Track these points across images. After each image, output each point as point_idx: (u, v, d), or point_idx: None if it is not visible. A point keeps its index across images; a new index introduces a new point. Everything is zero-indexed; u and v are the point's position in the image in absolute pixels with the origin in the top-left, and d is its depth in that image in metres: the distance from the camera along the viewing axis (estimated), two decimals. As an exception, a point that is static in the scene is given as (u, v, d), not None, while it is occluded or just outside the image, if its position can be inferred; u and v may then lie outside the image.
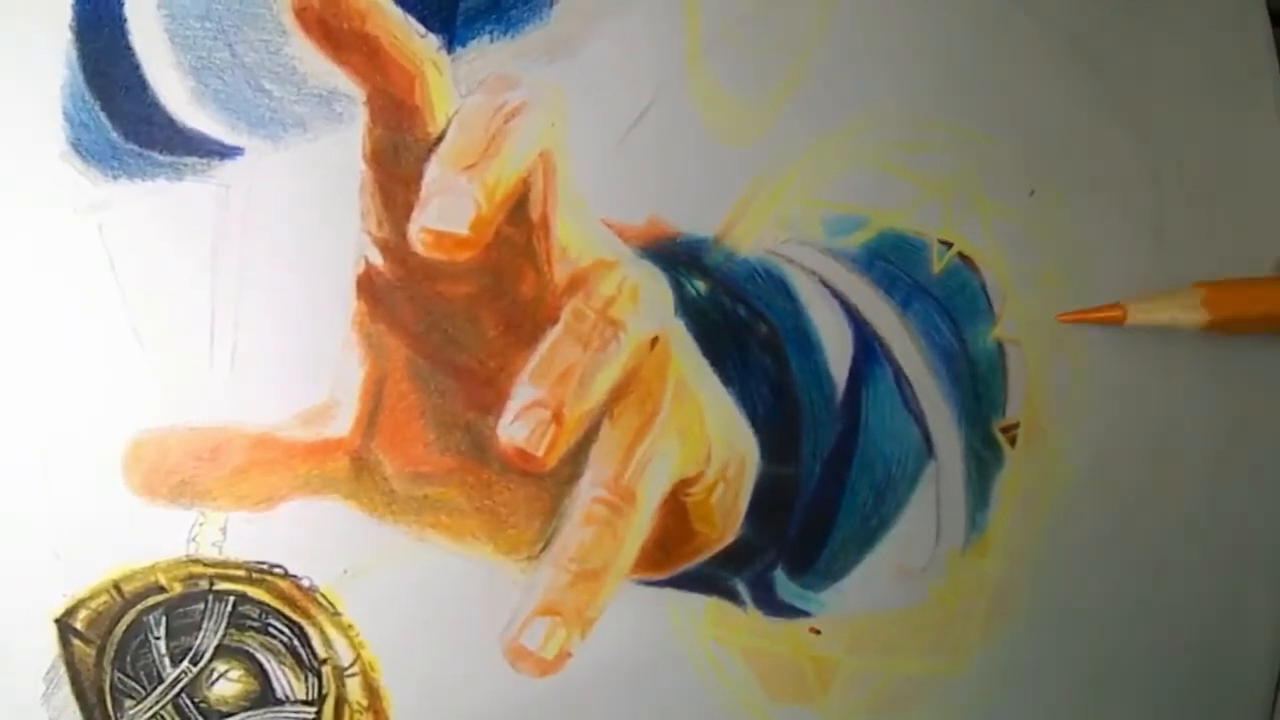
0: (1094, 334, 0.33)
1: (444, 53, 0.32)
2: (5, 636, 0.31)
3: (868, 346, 0.33)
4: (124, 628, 0.30)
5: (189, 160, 0.31)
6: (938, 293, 0.33)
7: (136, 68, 0.31)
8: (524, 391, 0.31)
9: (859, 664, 0.33)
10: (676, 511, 0.32)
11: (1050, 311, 0.33)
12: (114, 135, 0.31)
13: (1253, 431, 0.33)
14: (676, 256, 0.32)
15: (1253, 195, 0.33)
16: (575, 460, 0.31)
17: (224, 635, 0.30)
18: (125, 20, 0.31)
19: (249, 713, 0.30)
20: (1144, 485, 0.33)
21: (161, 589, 0.30)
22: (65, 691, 0.30)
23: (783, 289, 0.32)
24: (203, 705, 0.30)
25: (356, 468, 0.31)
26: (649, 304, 0.32)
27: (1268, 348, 0.33)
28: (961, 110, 0.33)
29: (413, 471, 0.31)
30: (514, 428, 0.31)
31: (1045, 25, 0.33)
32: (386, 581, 0.31)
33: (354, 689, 0.31)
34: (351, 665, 0.30)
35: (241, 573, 0.30)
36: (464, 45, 0.32)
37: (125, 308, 0.31)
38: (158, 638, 0.30)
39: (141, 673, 0.30)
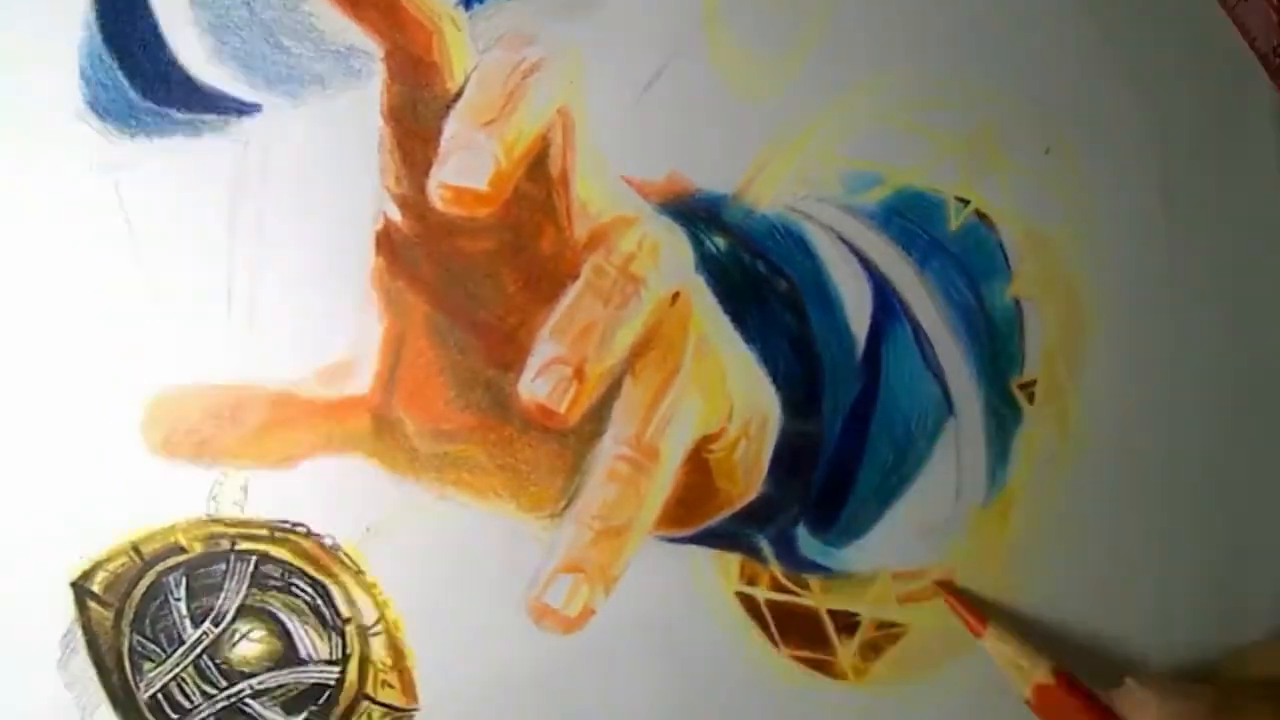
0: (1108, 292, 0.33)
1: (462, 9, 0.32)
2: (20, 600, 0.30)
3: (887, 303, 0.33)
4: (143, 590, 0.30)
5: (207, 118, 0.31)
6: (955, 250, 0.33)
7: (154, 26, 0.31)
8: (545, 348, 0.31)
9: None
10: (699, 468, 0.32)
11: (1066, 270, 0.33)
12: (131, 93, 0.31)
13: (1266, 394, 0.33)
14: (695, 213, 0.32)
15: (1254, 159, 0.34)
16: (597, 417, 0.31)
17: (246, 595, 0.30)
18: (141, -22, 0.31)
19: (273, 673, 0.30)
20: (1158, 444, 0.33)
21: (182, 549, 0.30)
22: (82, 656, 0.30)
23: (801, 245, 0.32)
24: (224, 666, 0.30)
25: (378, 425, 0.31)
26: (669, 260, 0.32)
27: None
28: (978, 69, 0.33)
29: (434, 429, 0.31)
30: (535, 384, 0.31)
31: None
32: (409, 540, 0.31)
33: (378, 647, 0.30)
34: (375, 624, 0.30)
35: (264, 532, 0.30)
36: (482, 1, 0.32)
37: (143, 266, 0.31)
38: (178, 599, 0.30)
39: (161, 635, 0.30)
